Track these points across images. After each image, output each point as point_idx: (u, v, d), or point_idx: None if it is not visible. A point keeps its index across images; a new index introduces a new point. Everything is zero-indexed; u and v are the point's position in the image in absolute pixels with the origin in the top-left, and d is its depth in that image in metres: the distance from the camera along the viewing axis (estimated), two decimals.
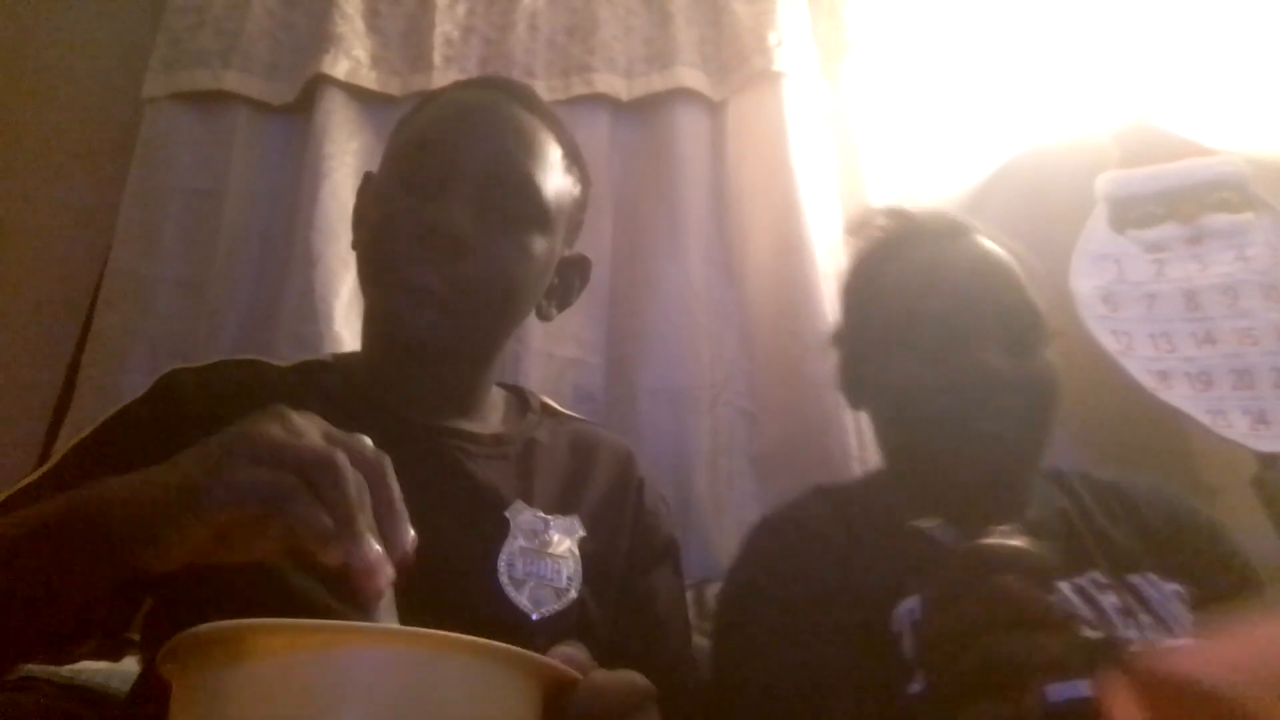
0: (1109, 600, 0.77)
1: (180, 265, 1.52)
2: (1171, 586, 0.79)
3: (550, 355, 1.45)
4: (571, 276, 0.93)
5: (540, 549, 0.77)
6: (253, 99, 1.61)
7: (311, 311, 1.41)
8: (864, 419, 1.35)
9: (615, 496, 0.87)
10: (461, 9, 1.67)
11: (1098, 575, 0.79)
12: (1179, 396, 1.32)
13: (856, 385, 0.96)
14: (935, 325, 0.83)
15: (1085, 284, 1.41)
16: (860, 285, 0.96)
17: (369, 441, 0.51)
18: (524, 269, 0.83)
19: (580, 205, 0.93)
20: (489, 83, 0.89)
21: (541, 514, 0.80)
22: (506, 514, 0.78)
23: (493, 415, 0.89)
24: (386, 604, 0.48)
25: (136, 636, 0.77)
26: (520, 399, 0.94)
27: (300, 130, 1.58)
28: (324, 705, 0.41)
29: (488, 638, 0.44)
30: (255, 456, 0.47)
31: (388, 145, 0.91)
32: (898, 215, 0.96)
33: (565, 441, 0.90)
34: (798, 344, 1.42)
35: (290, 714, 0.41)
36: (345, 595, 0.47)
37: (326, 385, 0.84)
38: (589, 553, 0.80)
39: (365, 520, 0.46)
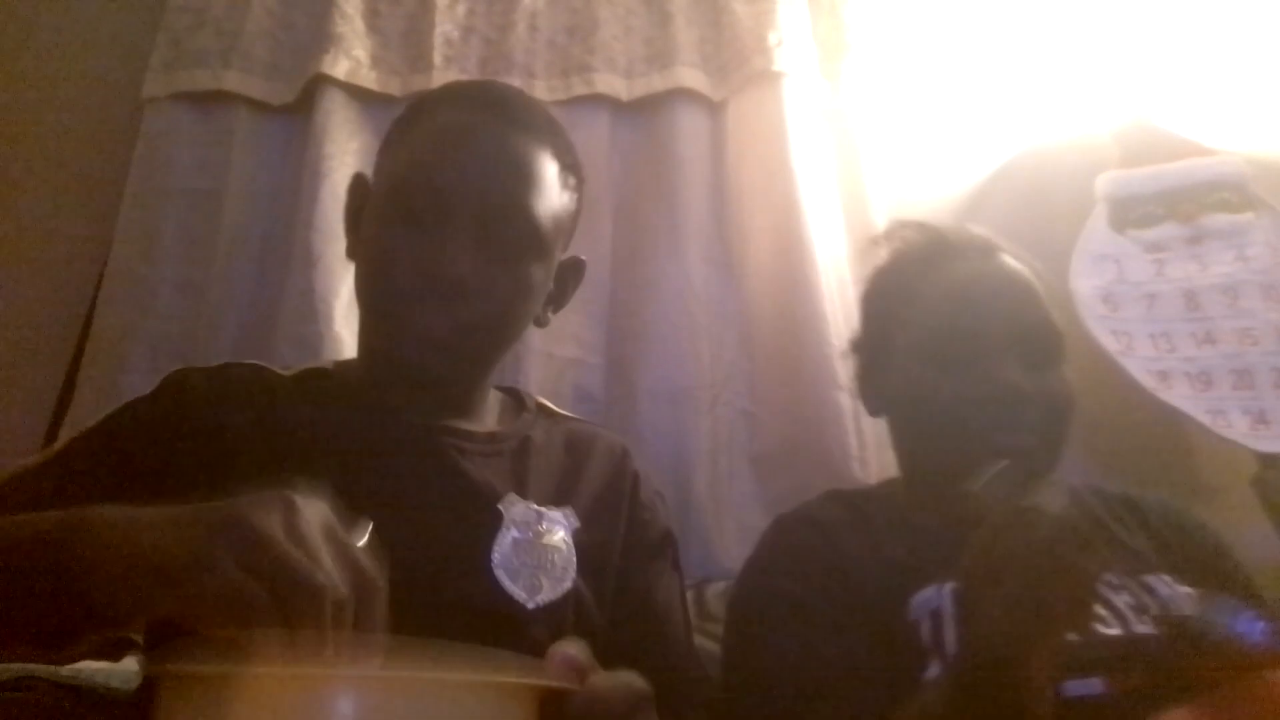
0: (1123, 599, 0.79)
1: (180, 265, 1.52)
2: (1185, 590, 0.81)
3: (550, 355, 1.45)
4: (566, 279, 0.94)
5: (534, 540, 0.78)
6: (253, 99, 1.61)
7: (311, 311, 1.42)
8: (864, 419, 1.36)
9: (610, 491, 0.88)
10: (461, 9, 1.67)
11: (1111, 577, 0.81)
12: (1179, 396, 1.32)
13: (876, 393, 0.99)
14: (960, 340, 0.87)
15: (1085, 284, 1.41)
16: (884, 296, 0.99)
17: (366, 563, 0.49)
18: (524, 300, 0.84)
19: (577, 213, 0.93)
20: (480, 100, 0.86)
21: (535, 506, 0.81)
22: (500, 506, 0.79)
23: (489, 415, 0.91)
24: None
25: (136, 637, 0.77)
26: (516, 399, 0.96)
27: (300, 130, 1.58)
28: None
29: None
30: (242, 561, 0.46)
31: (381, 159, 0.91)
32: (924, 230, 0.99)
33: (560, 440, 0.91)
34: (798, 344, 1.42)
35: None
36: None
37: (327, 393, 0.85)
38: (584, 545, 0.81)
39: (337, 638, 0.45)
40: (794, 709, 0.76)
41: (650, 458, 1.35)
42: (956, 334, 0.87)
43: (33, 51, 1.77)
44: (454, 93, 0.90)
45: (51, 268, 1.61)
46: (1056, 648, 0.61)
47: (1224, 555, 0.90)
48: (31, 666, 0.89)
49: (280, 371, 0.87)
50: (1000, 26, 1.66)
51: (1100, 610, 0.76)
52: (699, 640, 0.93)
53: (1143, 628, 0.76)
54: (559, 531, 0.80)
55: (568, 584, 0.78)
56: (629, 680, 0.54)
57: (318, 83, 1.57)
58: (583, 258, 0.95)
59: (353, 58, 1.60)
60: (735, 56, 1.61)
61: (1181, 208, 1.45)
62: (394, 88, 1.61)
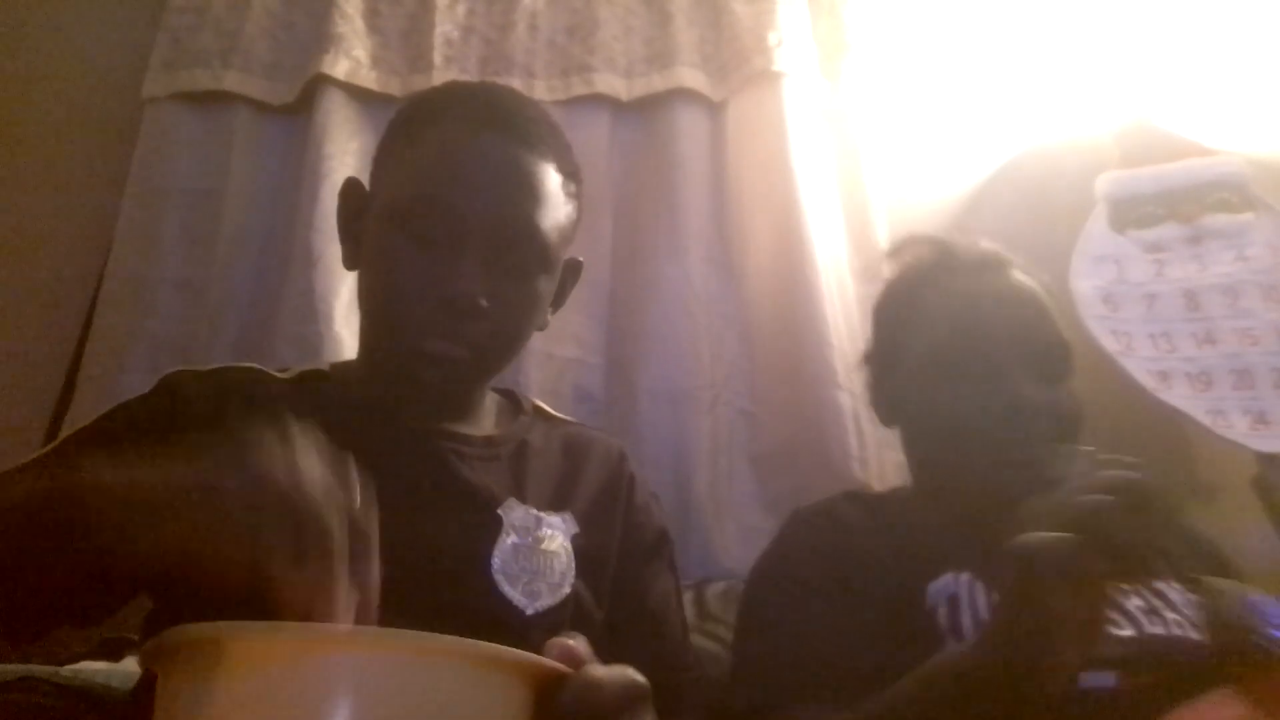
0: (1133, 603, 0.80)
1: (180, 266, 1.52)
2: (1193, 597, 0.82)
3: (550, 355, 1.45)
4: (565, 280, 0.94)
5: (533, 545, 0.79)
6: (253, 99, 1.61)
7: (311, 311, 1.42)
8: (864, 419, 1.36)
9: (607, 494, 0.89)
10: (461, 9, 1.67)
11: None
12: (1179, 396, 1.32)
13: (887, 404, 1.01)
14: (973, 354, 0.89)
15: (1085, 284, 1.41)
16: (897, 310, 1.01)
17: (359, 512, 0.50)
18: (533, 315, 0.85)
19: (579, 219, 0.93)
20: (485, 115, 0.84)
21: (534, 510, 0.81)
22: (499, 511, 0.79)
23: (486, 418, 0.91)
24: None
25: (136, 637, 0.77)
26: (513, 402, 0.96)
27: (300, 130, 1.58)
28: (307, 710, 0.41)
29: (483, 633, 0.44)
30: (246, 490, 0.47)
31: (380, 169, 0.89)
32: (936, 244, 1.00)
33: (557, 443, 0.91)
34: (797, 344, 1.42)
35: (272, 718, 0.41)
36: None
37: (325, 396, 0.85)
38: (582, 548, 0.81)
39: (341, 569, 0.46)
40: (807, 691, 0.78)
41: (650, 458, 1.35)
42: (967, 348, 0.89)
43: (33, 51, 1.77)
44: (456, 101, 0.87)
45: (51, 268, 1.61)
46: (1086, 635, 0.63)
47: (1227, 567, 0.92)
48: (32, 666, 0.89)
49: (277, 374, 0.86)
50: (1000, 27, 1.66)
51: (1113, 614, 0.78)
52: (699, 640, 0.94)
53: (1154, 629, 0.78)
54: (558, 537, 0.80)
55: (566, 589, 0.78)
56: (627, 673, 0.54)
57: (318, 83, 1.57)
58: (580, 259, 0.95)
59: (353, 58, 1.60)
60: (735, 56, 1.61)
61: (1181, 208, 1.45)
62: (394, 88, 1.61)
